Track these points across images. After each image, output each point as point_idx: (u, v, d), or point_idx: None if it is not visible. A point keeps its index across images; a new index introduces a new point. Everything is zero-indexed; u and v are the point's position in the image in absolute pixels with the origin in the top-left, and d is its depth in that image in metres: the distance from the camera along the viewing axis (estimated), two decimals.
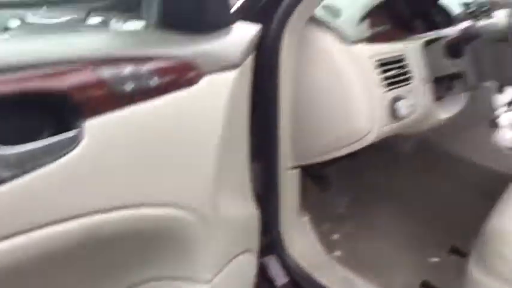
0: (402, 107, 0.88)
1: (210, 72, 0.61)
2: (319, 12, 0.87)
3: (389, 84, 0.89)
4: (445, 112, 1.09)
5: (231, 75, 0.64)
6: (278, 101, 0.82)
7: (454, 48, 0.98)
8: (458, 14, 1.21)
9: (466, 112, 1.19)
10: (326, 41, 0.84)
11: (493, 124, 1.38)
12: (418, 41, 1.02)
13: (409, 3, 1.09)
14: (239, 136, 0.75)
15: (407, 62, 0.95)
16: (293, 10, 0.76)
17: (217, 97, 0.63)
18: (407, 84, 0.93)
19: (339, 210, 1.31)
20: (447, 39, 1.01)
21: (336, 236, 1.23)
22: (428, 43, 1.03)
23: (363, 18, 0.92)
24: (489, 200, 0.97)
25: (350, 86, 0.84)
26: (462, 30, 0.99)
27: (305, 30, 0.82)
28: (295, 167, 0.93)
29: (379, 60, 0.88)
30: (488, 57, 0.97)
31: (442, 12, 1.17)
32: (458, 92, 1.09)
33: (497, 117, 1.41)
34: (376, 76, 0.86)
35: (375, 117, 0.86)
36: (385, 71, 0.88)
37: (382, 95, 0.87)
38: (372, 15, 0.95)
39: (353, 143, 0.88)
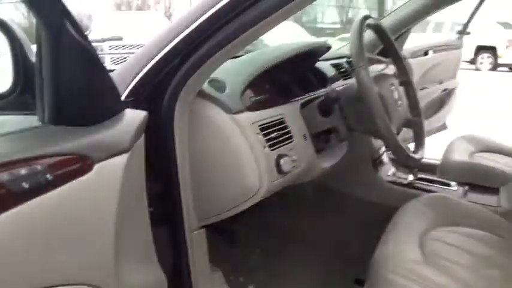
0: (286, 163, 1.02)
1: (102, 159, 0.70)
2: (206, 87, 1.00)
3: (273, 145, 1.02)
4: (328, 161, 1.25)
5: (122, 159, 0.72)
6: (177, 170, 0.92)
7: (325, 107, 1.16)
8: (333, 75, 1.43)
9: (351, 155, 1.37)
10: (213, 113, 0.97)
11: (376, 163, 1.60)
12: (296, 104, 1.18)
13: (287, 71, 1.26)
14: (138, 208, 0.83)
15: (287, 123, 1.10)
16: (182, 87, 0.88)
17: (110, 180, 0.71)
18: (289, 143, 1.07)
19: (251, 262, 1.41)
20: (319, 100, 1.18)
21: None
22: (305, 104, 1.19)
23: (245, 90, 1.05)
24: (378, 231, 1.13)
25: (238, 151, 0.97)
26: (325, 94, 1.18)
27: (195, 104, 0.95)
28: (201, 227, 1.02)
29: (261, 125, 1.02)
30: (351, 113, 1.15)
31: (317, 75, 1.37)
32: (335, 143, 1.25)
33: (379, 156, 1.64)
34: (260, 139, 0.99)
35: (263, 175, 0.98)
36: (267, 134, 1.02)
37: (267, 155, 1.00)
38: (253, 85, 1.10)
39: (247, 200, 1.00)
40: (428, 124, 2.53)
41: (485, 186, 1.47)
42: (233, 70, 1.08)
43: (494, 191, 1.42)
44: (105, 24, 6.79)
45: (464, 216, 1.19)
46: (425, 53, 2.28)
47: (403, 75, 1.26)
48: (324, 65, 1.43)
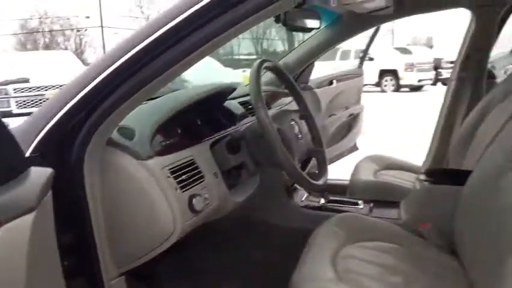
0: (198, 202, 1.06)
1: (8, 220, 0.68)
2: (115, 135, 1.01)
3: (185, 186, 1.06)
4: (241, 195, 1.31)
5: (29, 218, 0.71)
6: (90, 220, 0.92)
7: (232, 145, 1.23)
8: (241, 112, 1.50)
9: (265, 186, 1.45)
10: (123, 161, 0.99)
11: (290, 190, 1.70)
12: (206, 144, 1.23)
13: (196, 113, 1.31)
14: (50, 264, 0.81)
15: (197, 163, 1.14)
16: (91, 138, 0.89)
17: (18, 240, 0.70)
18: (201, 182, 1.12)
19: None
20: (226, 139, 1.25)
21: None
22: (214, 144, 1.25)
23: (154, 135, 1.08)
24: (298, 254, 1.20)
25: (150, 196, 0.99)
26: (231, 133, 1.26)
27: (105, 153, 0.96)
28: (121, 274, 1.01)
29: (171, 168, 1.06)
30: (257, 149, 1.22)
31: (226, 114, 1.44)
32: (246, 177, 1.32)
33: (292, 184, 1.74)
34: (171, 182, 1.03)
35: (176, 217, 1.01)
36: (178, 176, 1.05)
37: (179, 196, 1.03)
38: (163, 130, 1.13)
39: (163, 242, 1.02)
40: (340, 147, 2.74)
41: (388, 201, 1.62)
42: (142, 116, 1.10)
43: (396, 205, 1.57)
44: (9, 66, 6.40)
45: (370, 232, 1.30)
46: (330, 83, 2.48)
47: (303, 109, 1.38)
48: (233, 104, 1.50)
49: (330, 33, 1.93)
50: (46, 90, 5.96)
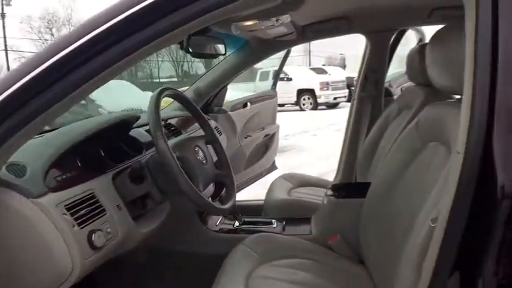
0: (98, 238, 1.01)
1: None
2: (3, 173, 0.94)
3: (83, 222, 1.00)
4: (148, 225, 1.26)
5: None
6: None
7: (135, 175, 1.19)
8: (148, 141, 1.47)
9: (176, 214, 1.43)
10: (12, 200, 0.92)
11: (203, 215, 1.70)
12: (108, 176, 1.19)
13: (99, 144, 1.26)
14: None
15: (98, 197, 1.08)
16: None
17: None
18: (102, 216, 1.07)
19: None
20: (128, 169, 1.21)
21: None
22: (117, 175, 1.20)
23: (49, 170, 1.02)
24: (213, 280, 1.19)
25: (44, 235, 0.93)
26: (133, 163, 1.24)
27: None
28: None
29: (68, 204, 0.99)
30: (160, 178, 1.19)
31: (132, 143, 1.40)
32: (153, 207, 1.26)
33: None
34: (68, 219, 0.97)
35: (74, 255, 0.95)
36: (76, 212, 1.00)
37: (77, 233, 0.98)
38: (60, 163, 1.07)
39: (63, 282, 0.96)
40: (258, 167, 2.80)
41: (301, 218, 1.68)
42: (35, 150, 1.05)
43: (308, 221, 1.63)
44: None
45: (282, 250, 1.34)
46: (244, 105, 2.54)
47: (209, 135, 1.39)
48: (138, 132, 1.47)
49: (239, 57, 1.99)
50: None
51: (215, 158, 1.39)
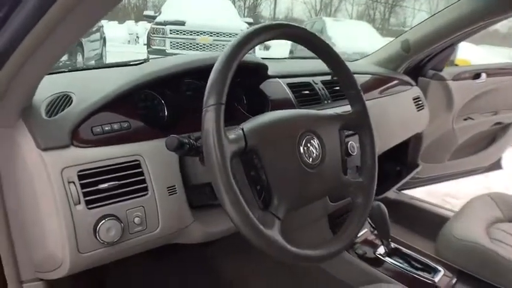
0: (107, 231, 0.73)
1: None
2: (35, 107, 0.76)
3: (96, 201, 0.73)
4: (218, 223, 0.91)
5: None
6: None
7: None
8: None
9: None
10: (24, 146, 0.72)
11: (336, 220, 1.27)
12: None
13: (192, 86, 0.95)
14: None
15: (144, 168, 0.78)
16: None
17: None
18: (138, 197, 0.77)
19: None
20: None
21: None
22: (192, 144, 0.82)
23: (93, 114, 0.78)
24: None
25: (39, 206, 0.72)
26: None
27: (16, 128, 0.73)
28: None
29: (85, 170, 0.73)
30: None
31: (256, 99, 1.04)
32: None
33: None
34: (72, 191, 0.71)
35: (65, 245, 0.71)
36: (92, 184, 0.73)
37: (79, 216, 0.72)
38: (114, 107, 0.81)
39: (50, 271, 0.75)
40: (473, 161, 2.09)
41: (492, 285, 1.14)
42: (92, 86, 0.83)
43: None
44: (176, 6, 6.74)
45: None
46: (477, 75, 1.84)
47: (357, 113, 0.87)
48: (276, 85, 1.10)
49: (478, 4, 1.33)
50: (198, 35, 6.18)
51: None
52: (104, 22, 8.62)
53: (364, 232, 1.34)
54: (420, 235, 1.54)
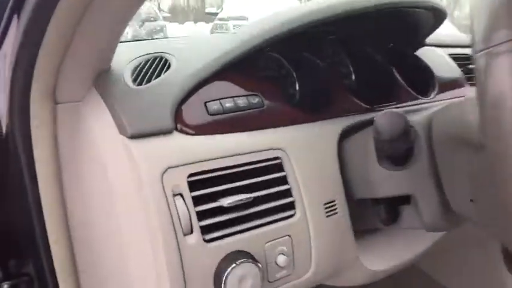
0: (245, 279, 0.44)
1: None
2: (117, 70, 0.53)
3: (221, 226, 0.46)
4: (381, 260, 0.62)
5: None
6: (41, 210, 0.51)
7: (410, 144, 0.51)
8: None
9: None
10: (99, 127, 0.49)
11: None
12: (331, 126, 0.57)
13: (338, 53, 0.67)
14: None
15: (288, 172, 0.51)
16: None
17: None
18: (286, 218, 0.50)
19: None
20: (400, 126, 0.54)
21: None
22: (350, 132, 0.58)
23: (203, 84, 0.52)
24: None
25: (120, 227, 0.46)
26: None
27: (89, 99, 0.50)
28: None
29: (199, 173, 0.46)
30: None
31: (416, 69, 0.73)
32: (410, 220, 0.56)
33: None
34: (183, 211, 0.44)
35: None
36: (210, 197, 0.46)
37: (195, 251, 0.44)
38: (234, 75, 0.55)
39: None
40: None
41: None
42: (199, 47, 0.58)
43: None
44: (238, 2, 6.65)
45: None
46: None
47: None
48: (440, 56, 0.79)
49: None
50: None
51: None
52: (166, 23, 8.93)
53: None
54: None
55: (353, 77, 0.67)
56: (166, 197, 0.44)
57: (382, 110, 0.59)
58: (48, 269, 0.53)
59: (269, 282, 0.49)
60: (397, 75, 0.72)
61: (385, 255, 0.63)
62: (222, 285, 0.44)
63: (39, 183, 0.51)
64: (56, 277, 0.53)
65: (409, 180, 0.47)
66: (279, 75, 0.62)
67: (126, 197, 0.46)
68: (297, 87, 0.61)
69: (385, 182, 0.52)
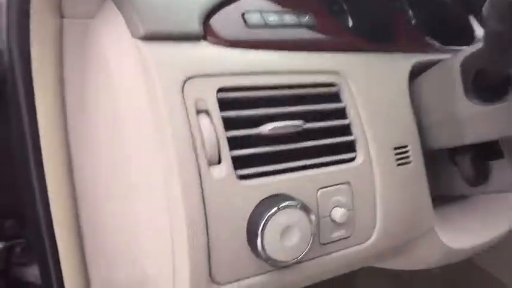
0: (292, 231, 0.33)
1: None
2: None
3: (261, 161, 0.35)
4: (476, 234, 0.49)
5: None
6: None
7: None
8: None
9: None
10: (111, 32, 0.38)
11: None
12: (404, 60, 0.45)
13: None
14: None
15: (344, 101, 0.40)
16: None
17: None
18: (345, 162, 0.39)
19: None
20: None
21: None
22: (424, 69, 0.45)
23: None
24: None
25: (127, 151, 0.36)
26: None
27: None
28: None
29: (227, 90, 0.35)
30: None
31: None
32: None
33: None
34: (209, 133, 0.33)
35: (185, 257, 0.32)
36: (252, 122, 0.36)
37: (226, 188, 0.33)
38: None
39: None
40: None
41: None
42: None
43: None
44: None
45: None
46: None
47: None
48: None
49: None
50: None
51: None
52: None
53: None
54: None
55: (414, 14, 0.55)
56: (187, 113, 0.32)
57: (456, 51, 0.47)
58: (46, 231, 0.43)
59: (321, 244, 0.37)
60: (472, 22, 0.60)
61: (463, 232, 0.50)
62: (259, 237, 0.32)
63: (37, 113, 0.41)
64: (55, 240, 0.43)
65: (509, 118, 0.34)
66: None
67: (137, 119, 0.35)
68: (352, 15, 0.50)
69: (477, 121, 0.39)
